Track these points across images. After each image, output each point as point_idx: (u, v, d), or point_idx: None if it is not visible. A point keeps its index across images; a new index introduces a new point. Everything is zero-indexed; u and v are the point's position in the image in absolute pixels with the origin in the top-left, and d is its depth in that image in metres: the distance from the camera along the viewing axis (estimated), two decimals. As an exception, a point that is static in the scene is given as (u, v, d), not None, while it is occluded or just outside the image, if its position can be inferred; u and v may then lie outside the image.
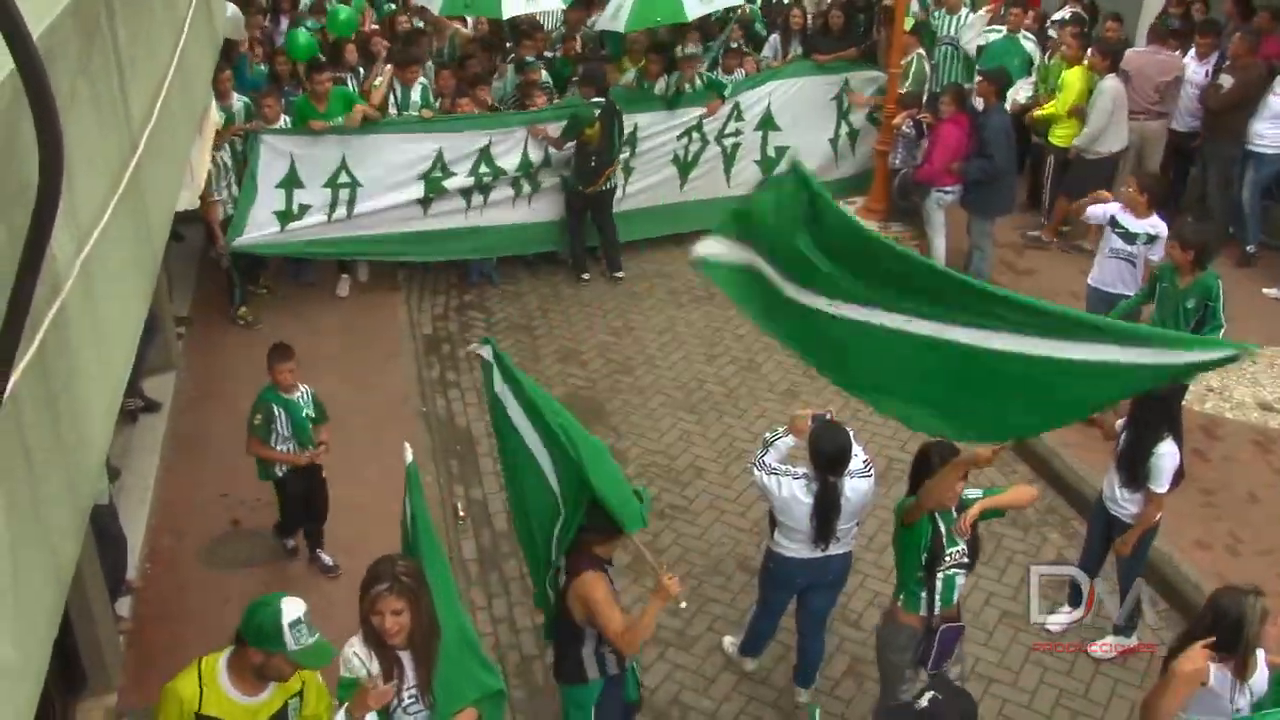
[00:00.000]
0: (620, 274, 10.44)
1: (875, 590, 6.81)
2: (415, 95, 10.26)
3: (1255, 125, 9.66)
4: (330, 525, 7.12)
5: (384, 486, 7.53)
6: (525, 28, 11.66)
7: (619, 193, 10.45)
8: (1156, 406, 5.97)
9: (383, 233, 9.90)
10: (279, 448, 6.67)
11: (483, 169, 10.05)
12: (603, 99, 9.84)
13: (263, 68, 10.72)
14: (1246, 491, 7.39)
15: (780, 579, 5.78)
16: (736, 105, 10.93)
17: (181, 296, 9.91)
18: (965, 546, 5.14)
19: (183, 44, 4.38)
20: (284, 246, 9.71)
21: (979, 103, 9.72)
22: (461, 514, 7.49)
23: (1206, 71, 10.11)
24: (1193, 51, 10.23)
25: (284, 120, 9.50)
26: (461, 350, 9.42)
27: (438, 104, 10.31)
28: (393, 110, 10.13)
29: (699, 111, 10.76)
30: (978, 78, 10.36)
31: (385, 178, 9.73)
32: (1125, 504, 6.05)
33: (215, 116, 7.86)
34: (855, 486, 5.44)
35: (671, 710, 6.02)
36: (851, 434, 5.47)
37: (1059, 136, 10.23)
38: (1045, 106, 10.30)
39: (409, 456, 4.81)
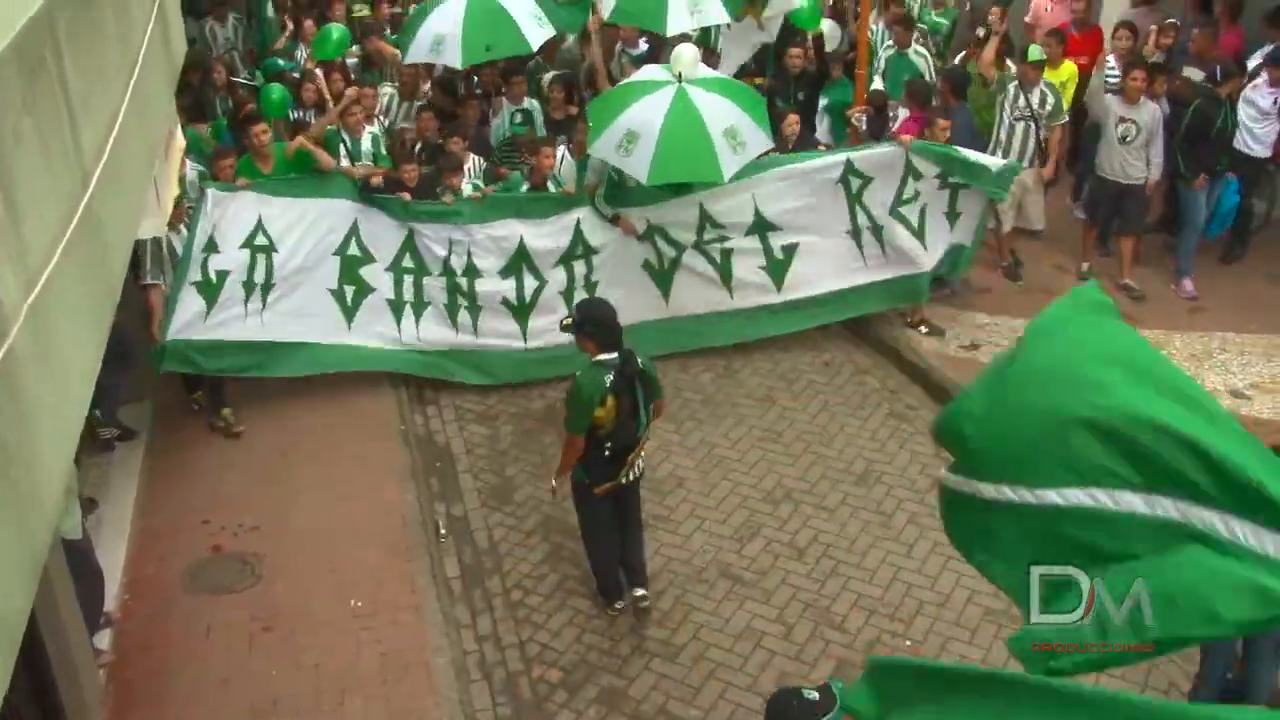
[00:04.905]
0: (643, 592, 6.74)
1: (859, 592, 6.82)
2: (366, 144, 9.42)
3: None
4: (305, 547, 7.16)
5: (363, 506, 7.55)
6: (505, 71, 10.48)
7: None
8: None
9: (309, 340, 8.69)
10: None
11: (405, 263, 8.88)
12: (614, 358, 6.20)
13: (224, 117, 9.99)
14: (1224, 479, 7.41)
15: None
16: (704, 214, 9.00)
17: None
18: None
19: (138, 74, 4.36)
20: (219, 349, 8.32)
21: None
22: (443, 532, 7.47)
23: (1276, 100, 9.59)
24: (1264, 77, 9.67)
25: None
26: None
27: (418, 148, 9.60)
28: (344, 161, 9.19)
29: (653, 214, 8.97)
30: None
31: (302, 241, 8.57)
32: None
33: (180, 140, 7.79)
34: None
35: (658, 721, 6.03)
36: None
37: None
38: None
39: None
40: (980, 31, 11.01)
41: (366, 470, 7.92)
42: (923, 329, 9.31)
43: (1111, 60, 10.19)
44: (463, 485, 7.98)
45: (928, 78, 10.47)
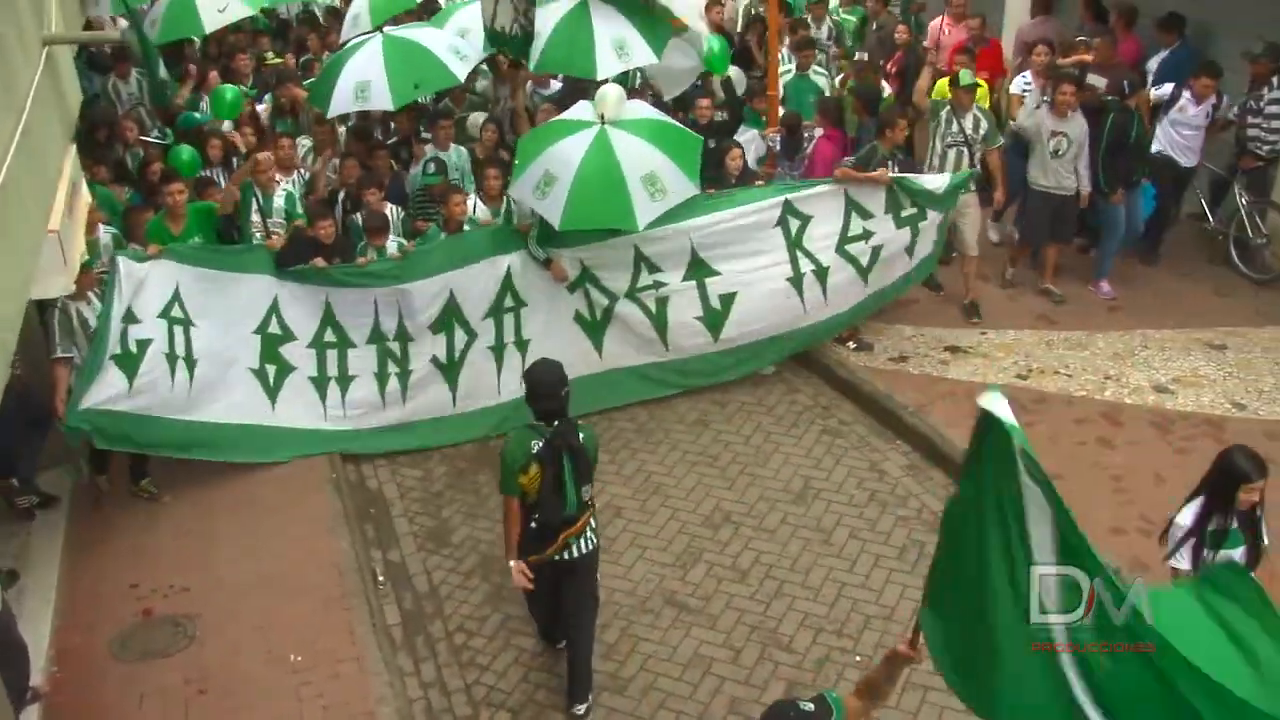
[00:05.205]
0: (582, 709, 6.11)
1: (804, 611, 6.79)
2: (279, 201, 9.09)
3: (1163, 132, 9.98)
4: (239, 604, 6.96)
5: (297, 558, 7.37)
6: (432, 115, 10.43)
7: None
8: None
9: (226, 421, 8.24)
10: None
11: (328, 337, 8.49)
12: (546, 427, 5.71)
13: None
14: (1152, 473, 7.52)
15: None
16: (639, 255, 8.71)
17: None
18: None
19: (23, 126, 4.22)
20: (143, 423, 7.82)
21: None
22: (381, 579, 7.32)
23: (1207, 113, 9.88)
24: (1188, 93, 9.91)
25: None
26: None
27: (342, 195, 9.36)
28: (255, 217, 8.91)
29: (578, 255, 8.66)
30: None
31: (221, 317, 8.18)
32: None
33: (86, 197, 7.60)
34: None
35: (610, 756, 5.94)
36: None
37: None
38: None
39: None
40: (859, 56, 11.22)
41: (299, 521, 7.75)
42: (851, 345, 9.35)
43: (1028, 75, 10.39)
44: (398, 530, 7.84)
45: (828, 94, 10.59)
